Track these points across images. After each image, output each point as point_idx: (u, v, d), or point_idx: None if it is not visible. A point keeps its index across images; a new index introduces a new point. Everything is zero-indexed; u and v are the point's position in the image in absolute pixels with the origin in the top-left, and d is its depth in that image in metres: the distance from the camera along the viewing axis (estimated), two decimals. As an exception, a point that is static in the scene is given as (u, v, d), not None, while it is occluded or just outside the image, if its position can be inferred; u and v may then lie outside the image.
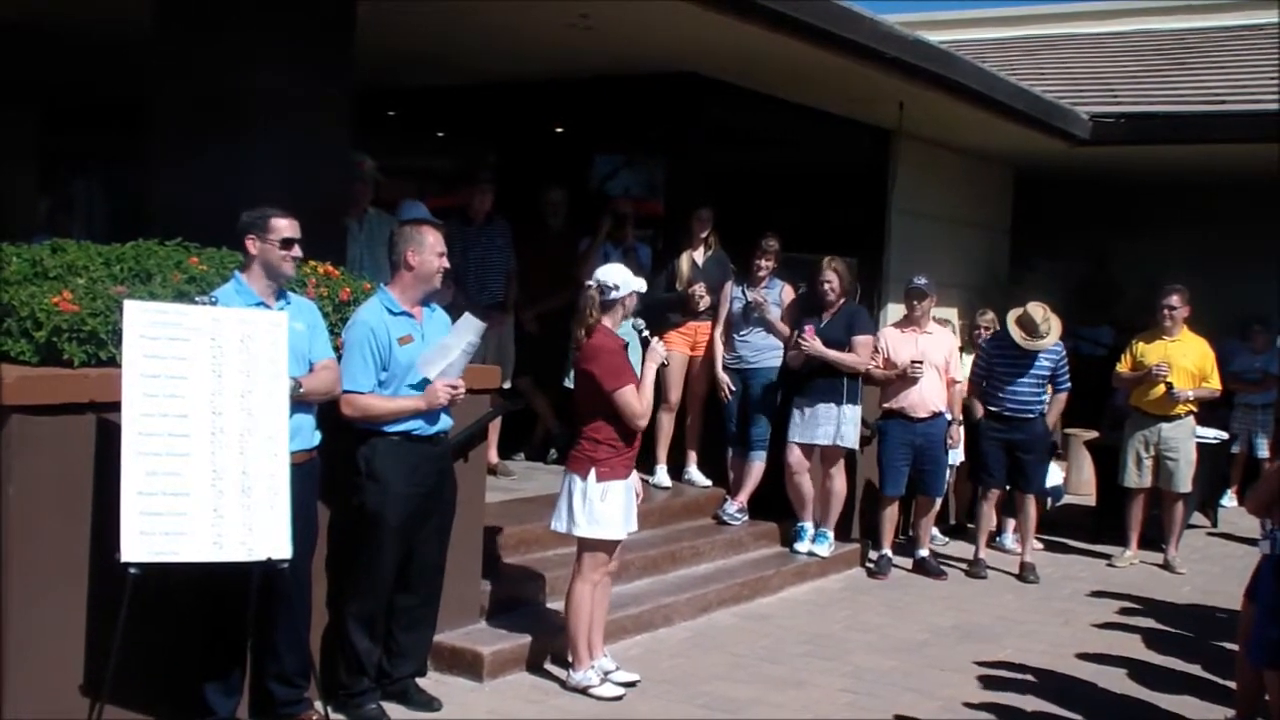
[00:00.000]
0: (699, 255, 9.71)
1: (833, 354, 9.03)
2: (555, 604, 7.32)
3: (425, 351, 5.92)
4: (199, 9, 6.95)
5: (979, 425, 9.79)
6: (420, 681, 6.31)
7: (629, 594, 7.83)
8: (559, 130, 11.97)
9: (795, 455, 9.24)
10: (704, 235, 9.72)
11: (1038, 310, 9.46)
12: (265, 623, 5.48)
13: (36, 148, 11.19)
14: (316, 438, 5.65)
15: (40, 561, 5.01)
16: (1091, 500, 11.88)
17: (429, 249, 5.97)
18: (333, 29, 7.15)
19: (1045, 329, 9.46)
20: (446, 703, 6.22)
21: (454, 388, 5.94)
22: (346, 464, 5.88)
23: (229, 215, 5.54)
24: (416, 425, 5.93)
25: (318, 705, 5.68)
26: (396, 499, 5.88)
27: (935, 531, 10.90)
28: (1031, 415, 9.65)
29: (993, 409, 9.69)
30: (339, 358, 5.80)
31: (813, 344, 8.99)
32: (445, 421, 6.09)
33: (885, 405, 9.57)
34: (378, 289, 6.09)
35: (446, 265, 6.09)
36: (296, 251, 5.48)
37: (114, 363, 5.06)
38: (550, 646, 6.90)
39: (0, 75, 9.75)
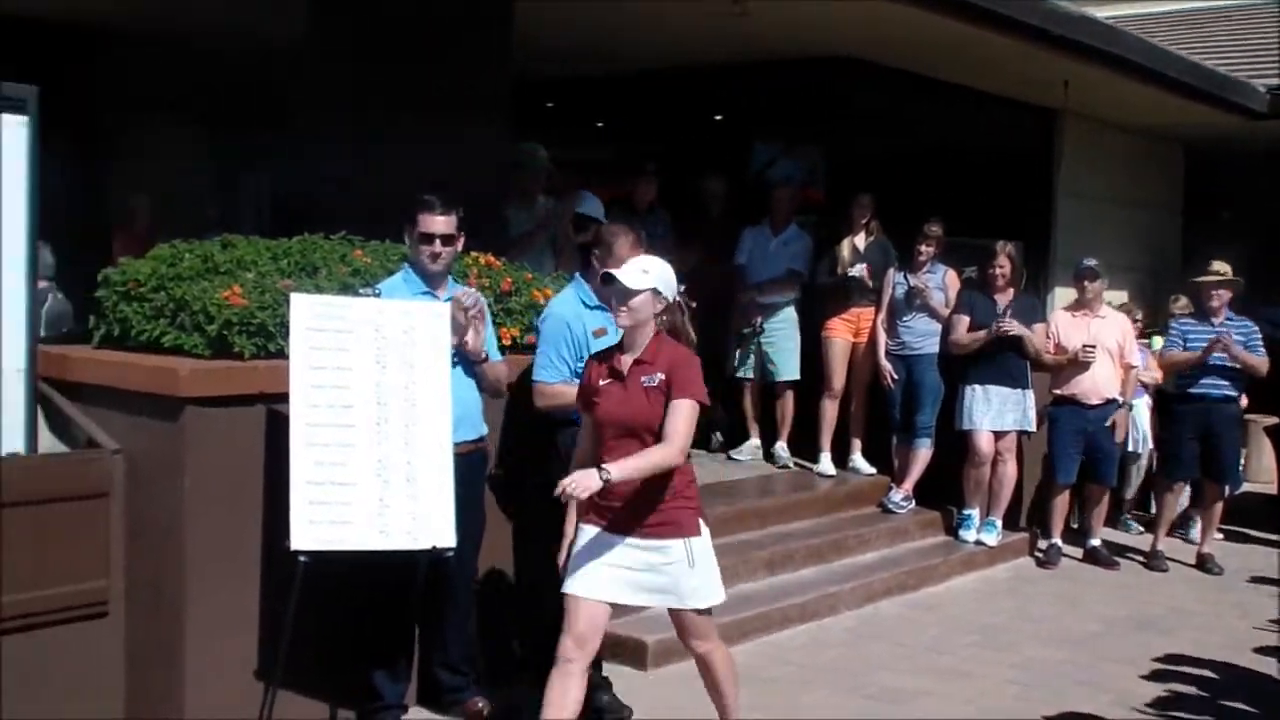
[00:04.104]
0: (860, 241, 9.65)
1: (1034, 336, 9.05)
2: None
3: None
4: (357, 6, 7.06)
5: (1171, 410, 9.52)
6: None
7: (794, 583, 7.82)
8: (718, 118, 11.94)
9: (987, 442, 9.11)
10: (865, 221, 9.67)
11: (1220, 264, 9.38)
12: (431, 611, 5.55)
13: (207, 150, 11.51)
14: (483, 428, 5.69)
15: (215, 551, 5.14)
16: (1272, 488, 11.52)
17: (614, 261, 5.59)
18: (490, 21, 7.22)
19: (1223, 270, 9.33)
20: (611, 691, 6.22)
21: None
22: (538, 454, 5.87)
23: (390, 208, 5.60)
24: None
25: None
26: None
27: (1131, 522, 10.67)
28: (1227, 397, 9.36)
29: (1190, 391, 9.42)
30: (534, 347, 5.81)
31: (1014, 325, 8.94)
32: None
33: (1056, 391, 9.39)
34: (573, 279, 6.00)
35: None
36: (437, 248, 5.41)
37: (282, 355, 5.16)
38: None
39: (171, 84, 10.07)
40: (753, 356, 9.75)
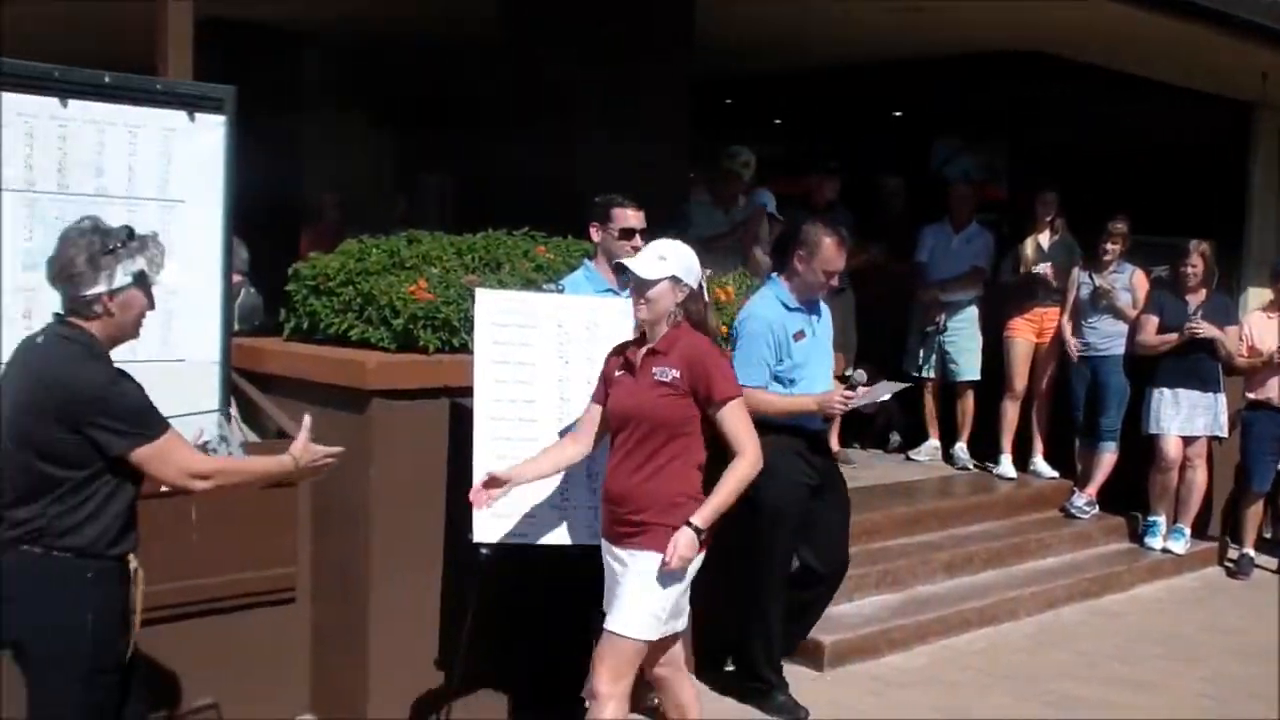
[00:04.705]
0: (1044, 239, 9.45)
1: (1227, 338, 8.76)
2: (895, 593, 7.26)
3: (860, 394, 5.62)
4: (542, 7, 7.14)
5: None
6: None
7: (972, 587, 7.71)
8: (897, 115, 11.82)
9: (1175, 447, 8.85)
10: (1049, 219, 9.46)
11: None
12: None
13: (392, 147, 11.76)
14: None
15: (398, 541, 5.24)
16: None
17: (819, 263, 5.64)
18: (672, 20, 7.24)
19: None
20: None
21: (846, 399, 5.58)
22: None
23: (571, 204, 5.65)
24: (806, 418, 5.74)
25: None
26: (790, 490, 5.70)
27: None
28: None
29: None
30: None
31: (1206, 326, 8.67)
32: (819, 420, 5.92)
33: (1250, 395, 9.08)
34: (769, 279, 5.95)
35: (834, 285, 5.82)
36: (637, 242, 5.43)
37: (465, 349, 5.24)
38: (892, 636, 6.82)
39: (357, 82, 10.32)
40: (934, 355, 9.62)
